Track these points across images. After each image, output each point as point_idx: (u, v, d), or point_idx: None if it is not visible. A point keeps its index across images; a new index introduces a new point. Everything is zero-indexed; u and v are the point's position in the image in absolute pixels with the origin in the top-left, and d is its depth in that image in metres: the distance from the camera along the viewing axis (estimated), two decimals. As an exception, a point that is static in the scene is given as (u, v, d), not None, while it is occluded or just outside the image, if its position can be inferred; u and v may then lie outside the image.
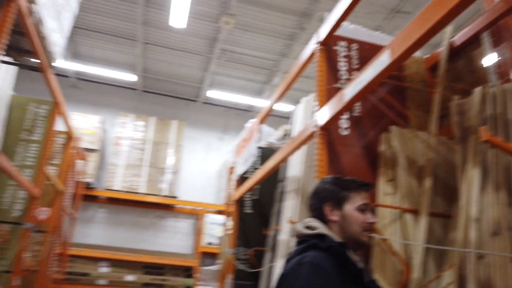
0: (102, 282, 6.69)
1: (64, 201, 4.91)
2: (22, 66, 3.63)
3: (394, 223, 2.13)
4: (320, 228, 1.49)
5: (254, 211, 4.41)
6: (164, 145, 7.56)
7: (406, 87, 2.70)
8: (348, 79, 2.56)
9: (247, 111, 9.07)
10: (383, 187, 2.25)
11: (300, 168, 3.47)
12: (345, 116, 2.50)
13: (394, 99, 2.51)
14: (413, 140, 2.33)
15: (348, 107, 2.07)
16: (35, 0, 2.59)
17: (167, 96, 8.78)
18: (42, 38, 2.84)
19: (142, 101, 8.60)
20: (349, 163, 2.39)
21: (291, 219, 3.33)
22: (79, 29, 6.74)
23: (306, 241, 1.46)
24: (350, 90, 1.97)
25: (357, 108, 2.58)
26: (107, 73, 7.91)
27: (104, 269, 6.81)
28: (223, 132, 8.86)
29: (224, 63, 7.49)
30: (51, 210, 4.43)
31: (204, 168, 8.45)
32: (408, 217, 2.11)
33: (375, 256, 2.05)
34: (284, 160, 3.17)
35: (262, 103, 8.27)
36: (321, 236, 1.45)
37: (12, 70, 3.79)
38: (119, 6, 6.24)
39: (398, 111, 2.49)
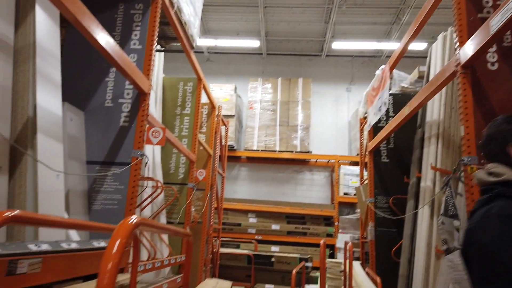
0: (252, 230, 7.55)
1: (214, 163, 5.62)
2: (168, 51, 4.18)
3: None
4: (507, 173, 1.32)
5: (390, 160, 4.36)
6: (293, 103, 7.82)
7: None
8: (495, 6, 2.27)
9: (374, 57, 8.64)
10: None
11: (440, 112, 3.28)
12: (493, 48, 2.25)
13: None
14: None
15: (496, 38, 1.86)
16: (174, -9, 2.95)
17: (290, 55, 8.95)
18: (182, 24, 3.23)
19: (268, 64, 8.96)
20: (501, 101, 2.18)
21: (432, 165, 3.22)
22: (206, 6, 7.29)
23: (491, 190, 1.33)
24: (498, 20, 1.76)
25: (507, 37, 2.29)
26: (234, 43, 8.45)
27: (253, 220, 7.65)
28: (350, 83, 8.67)
29: (346, 10, 7.21)
30: (206, 171, 5.15)
31: (334, 121, 8.50)
32: None
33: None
34: (421, 105, 3.03)
35: (390, 46, 7.76)
36: (508, 183, 1.30)
37: (161, 56, 4.42)
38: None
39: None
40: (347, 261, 3.16)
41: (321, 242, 2.64)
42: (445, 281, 2.93)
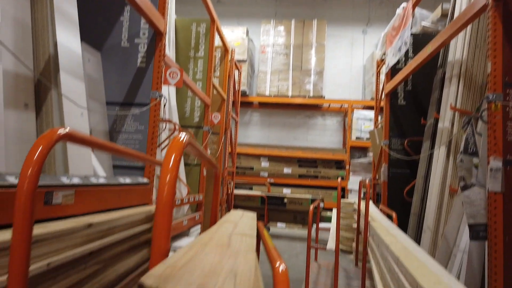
0: (264, 174, 7.73)
1: (228, 107, 5.62)
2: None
3: None
4: None
5: (407, 103, 4.32)
6: (307, 47, 7.62)
7: None
8: None
9: (392, -3, 8.24)
10: None
11: (463, 51, 3.18)
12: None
13: None
14: None
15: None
16: None
17: (303, -5, 8.57)
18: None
19: (281, 6, 8.61)
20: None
21: (452, 106, 3.19)
22: None
23: None
24: None
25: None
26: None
27: (265, 164, 7.80)
28: (367, 25, 8.35)
29: None
30: (220, 114, 5.18)
31: (348, 65, 8.31)
32: None
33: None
34: (444, 43, 2.94)
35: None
36: None
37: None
38: None
39: None
40: (361, 201, 3.26)
41: (338, 179, 2.71)
42: (457, 218, 3.02)
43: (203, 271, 0.55)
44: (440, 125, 3.52)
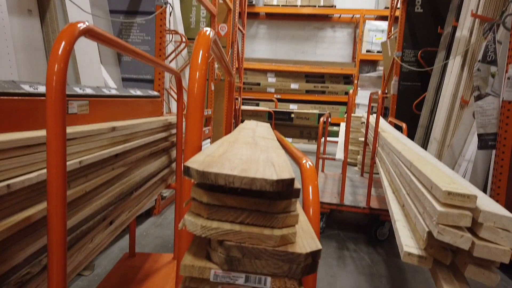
0: (271, 90, 7.67)
1: (235, 18, 5.37)
2: None
3: None
4: None
5: (424, 10, 4.08)
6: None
7: None
8: None
9: None
10: None
11: None
12: None
13: None
14: None
15: None
16: None
17: None
18: None
19: None
20: None
21: (473, 12, 3.01)
22: None
23: None
24: None
25: None
26: None
27: (271, 79, 7.69)
28: None
29: None
30: (227, 26, 4.96)
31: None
32: None
33: None
34: None
35: None
36: None
37: None
38: None
39: None
40: (370, 115, 3.27)
41: (350, 91, 2.68)
42: (466, 129, 3.05)
43: (242, 160, 0.57)
44: (457, 33, 3.37)
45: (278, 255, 0.45)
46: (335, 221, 3.19)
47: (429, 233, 1.12)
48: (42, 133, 0.82)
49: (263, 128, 1.56)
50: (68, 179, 0.90)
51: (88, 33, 0.75)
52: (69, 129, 0.93)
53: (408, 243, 1.25)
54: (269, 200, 0.48)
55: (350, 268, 2.31)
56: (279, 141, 1.25)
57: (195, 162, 0.51)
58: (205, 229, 0.45)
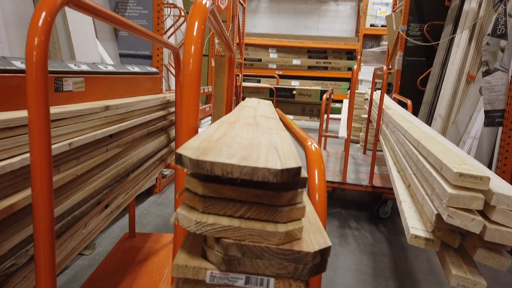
0: (272, 66, 7.52)
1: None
2: None
3: None
4: None
5: (432, -18, 3.93)
6: None
7: None
8: None
9: None
10: None
11: None
12: None
13: None
14: None
15: None
16: None
17: None
18: None
19: None
20: None
21: (485, -16, 2.88)
22: None
23: None
24: None
25: None
26: None
27: (273, 55, 7.53)
28: None
29: None
30: (227, -1, 4.80)
31: None
32: None
33: None
34: None
35: None
36: None
37: None
38: None
39: None
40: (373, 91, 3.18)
41: (355, 66, 2.59)
42: (471, 105, 2.98)
43: (241, 144, 0.51)
44: (465, 6, 3.24)
45: (283, 254, 0.40)
46: (337, 199, 3.16)
47: (438, 216, 1.07)
48: (26, 113, 0.76)
49: (264, 107, 1.50)
50: (58, 163, 0.84)
51: (72, 2, 0.68)
52: (57, 109, 0.87)
53: (414, 225, 1.21)
54: (273, 191, 0.42)
55: (352, 247, 2.29)
56: (281, 120, 1.19)
57: (189, 149, 0.45)
58: (200, 225, 0.40)
